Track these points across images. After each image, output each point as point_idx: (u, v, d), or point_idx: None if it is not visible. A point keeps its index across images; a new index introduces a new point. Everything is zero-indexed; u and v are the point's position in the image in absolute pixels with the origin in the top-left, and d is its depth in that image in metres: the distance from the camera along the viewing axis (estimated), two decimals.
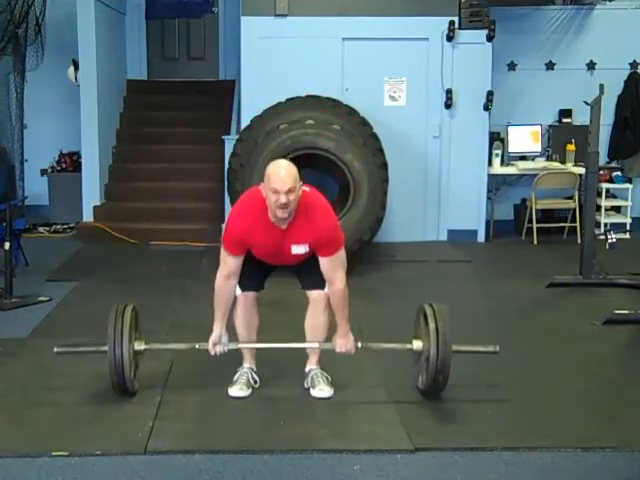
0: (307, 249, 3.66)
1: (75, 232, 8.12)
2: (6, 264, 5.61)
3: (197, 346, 3.86)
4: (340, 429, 3.58)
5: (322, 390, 3.90)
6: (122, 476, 3.17)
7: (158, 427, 3.55)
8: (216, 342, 3.78)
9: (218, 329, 3.78)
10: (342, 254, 3.70)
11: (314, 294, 3.88)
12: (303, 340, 3.99)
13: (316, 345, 3.91)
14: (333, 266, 3.68)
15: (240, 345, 3.94)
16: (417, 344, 3.83)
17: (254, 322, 3.97)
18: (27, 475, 3.17)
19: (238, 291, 3.86)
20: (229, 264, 3.70)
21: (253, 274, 3.84)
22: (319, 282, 3.81)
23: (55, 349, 3.93)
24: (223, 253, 3.72)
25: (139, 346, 3.87)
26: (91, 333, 4.83)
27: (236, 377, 3.97)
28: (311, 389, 3.93)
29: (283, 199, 3.43)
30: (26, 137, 8.09)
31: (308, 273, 3.83)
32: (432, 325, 3.71)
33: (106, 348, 3.71)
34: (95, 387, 3.97)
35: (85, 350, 3.96)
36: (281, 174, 3.46)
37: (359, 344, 3.84)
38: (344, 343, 3.80)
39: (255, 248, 3.69)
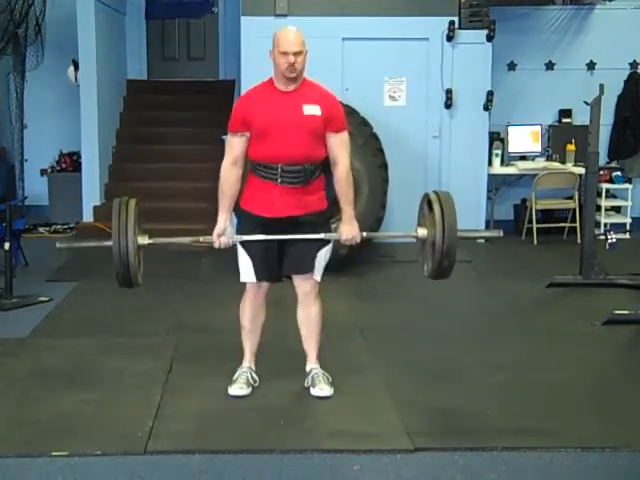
0: (319, 111, 3.64)
1: (75, 232, 8.12)
2: (6, 264, 5.61)
3: (201, 239, 3.74)
4: (340, 429, 3.58)
5: (322, 389, 3.89)
6: (122, 476, 3.18)
7: (158, 427, 3.55)
8: (220, 233, 3.70)
9: (222, 220, 3.71)
10: (347, 136, 3.75)
11: (303, 285, 3.84)
12: (300, 337, 3.98)
13: (322, 236, 3.75)
14: (340, 145, 3.71)
15: (244, 237, 3.75)
16: (422, 231, 3.73)
17: (260, 318, 3.95)
18: (27, 475, 3.17)
19: (252, 279, 3.80)
20: (234, 147, 3.70)
21: (264, 258, 3.74)
22: (309, 263, 3.76)
23: (57, 244, 3.84)
24: (228, 139, 3.72)
25: (142, 240, 3.67)
26: (91, 333, 4.85)
27: (236, 376, 3.97)
28: (311, 388, 3.92)
29: (291, 59, 3.55)
30: (26, 137, 8.09)
31: (297, 254, 3.74)
32: (437, 210, 3.59)
33: (109, 243, 3.57)
34: (95, 386, 3.98)
35: (87, 245, 3.88)
36: (290, 37, 3.59)
37: (364, 233, 3.80)
38: (350, 229, 3.75)
39: (261, 116, 3.63)
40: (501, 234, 3.84)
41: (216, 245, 3.71)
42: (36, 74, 7.99)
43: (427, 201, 3.70)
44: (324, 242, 3.79)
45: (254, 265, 3.77)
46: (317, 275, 3.83)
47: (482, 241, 7.83)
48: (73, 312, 5.48)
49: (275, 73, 3.67)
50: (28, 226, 7.85)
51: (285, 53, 3.56)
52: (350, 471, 3.23)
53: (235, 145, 3.70)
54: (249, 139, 3.70)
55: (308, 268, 3.79)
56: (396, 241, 7.47)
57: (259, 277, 3.81)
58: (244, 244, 3.77)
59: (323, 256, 3.82)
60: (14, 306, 5.48)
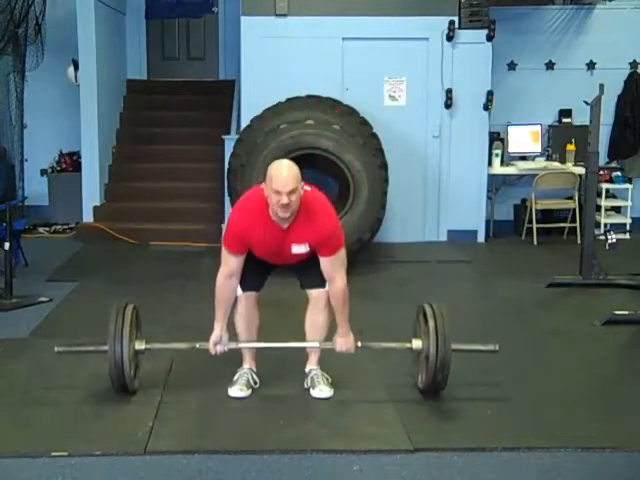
0: (308, 249, 3.67)
1: (75, 232, 8.13)
2: (6, 264, 5.61)
3: (197, 345, 3.86)
4: (340, 429, 3.58)
5: (322, 390, 3.90)
6: (122, 476, 3.18)
7: (158, 427, 3.56)
8: (217, 341, 3.79)
9: (219, 328, 3.78)
10: (342, 253, 3.71)
11: (314, 292, 3.89)
12: (303, 340, 3.99)
13: (316, 344, 3.92)
14: (333, 266, 3.69)
15: (240, 345, 3.94)
16: (416, 343, 3.84)
17: (255, 321, 3.98)
18: (27, 475, 3.17)
19: (239, 291, 3.87)
20: (230, 264, 3.71)
21: (254, 274, 3.85)
22: (319, 281, 3.82)
23: (56, 348, 3.94)
24: (224, 252, 3.73)
25: (139, 345, 3.87)
26: (91, 333, 4.83)
27: (236, 377, 3.98)
28: (311, 389, 3.93)
29: (285, 200, 3.44)
30: (26, 137, 8.08)
31: (308, 273, 3.84)
32: (432, 324, 3.71)
33: (106, 347, 3.71)
34: (95, 387, 3.98)
35: (86, 350, 3.97)
36: (283, 175, 3.46)
37: (359, 343, 3.85)
38: (344, 342, 3.81)
39: (256, 247, 3.69)
40: (497, 348, 3.87)
41: (212, 352, 3.81)
42: (36, 74, 7.99)
43: (422, 314, 3.81)
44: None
45: (243, 279, 3.82)
46: (326, 287, 3.86)
47: (482, 241, 7.85)
48: (73, 312, 5.48)
49: (270, 205, 3.54)
50: (28, 226, 7.86)
51: (278, 192, 3.44)
52: (350, 471, 3.23)
53: (231, 262, 3.71)
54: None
55: (318, 284, 3.85)
56: (396, 241, 7.50)
57: (244, 288, 3.88)
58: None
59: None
60: (14, 306, 5.48)
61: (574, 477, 3.23)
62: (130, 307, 3.82)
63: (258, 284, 3.93)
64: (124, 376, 3.74)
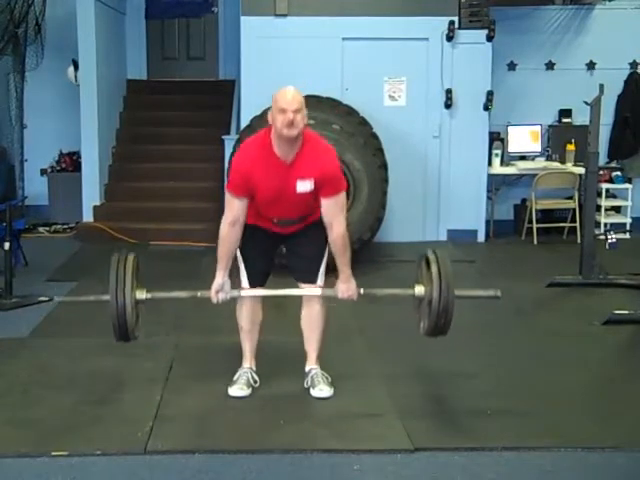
0: (312, 186, 3.62)
1: (75, 232, 8.12)
2: (6, 264, 5.61)
3: (199, 294, 3.76)
4: (340, 429, 3.58)
5: (322, 390, 3.90)
6: (122, 476, 3.18)
7: (158, 427, 3.55)
8: (218, 289, 3.70)
9: (220, 277, 3.71)
10: (343, 197, 3.71)
11: (307, 287, 3.88)
12: (302, 338, 3.99)
13: (319, 292, 3.83)
14: (334, 208, 3.66)
15: (243, 292, 3.83)
16: (419, 289, 3.70)
17: (258, 317, 3.97)
18: (27, 475, 3.17)
19: (245, 285, 3.87)
20: (234, 208, 3.66)
21: (258, 266, 3.85)
22: (313, 273, 3.82)
23: (55, 298, 3.85)
24: (227, 198, 3.68)
25: (141, 295, 3.71)
26: (91, 333, 4.84)
27: (236, 377, 3.97)
28: (311, 389, 3.93)
29: (290, 116, 3.46)
30: (26, 137, 8.10)
31: (302, 263, 3.84)
32: (434, 269, 3.59)
33: (108, 297, 3.57)
34: (95, 386, 3.98)
35: (87, 300, 3.91)
36: (288, 95, 3.54)
37: (361, 290, 3.77)
38: (346, 288, 3.74)
39: (260, 186, 3.62)
40: (499, 294, 3.80)
41: (214, 300, 3.73)
42: (36, 74, 8.00)
43: (425, 260, 3.72)
44: (324, 252, 3.84)
45: (248, 274, 3.84)
46: (320, 281, 3.87)
47: (482, 241, 7.85)
48: (73, 312, 5.47)
49: (274, 135, 3.57)
50: (28, 226, 7.86)
51: (284, 110, 3.47)
52: (350, 471, 3.23)
53: (235, 206, 3.66)
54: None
55: (313, 278, 3.85)
56: (396, 241, 7.50)
57: (252, 284, 3.87)
58: (243, 255, 3.83)
59: (324, 264, 3.88)
60: (14, 306, 5.47)
61: (574, 477, 3.24)
62: (131, 256, 3.69)
63: (263, 278, 3.91)
64: (126, 324, 3.59)
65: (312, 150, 3.63)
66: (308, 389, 3.94)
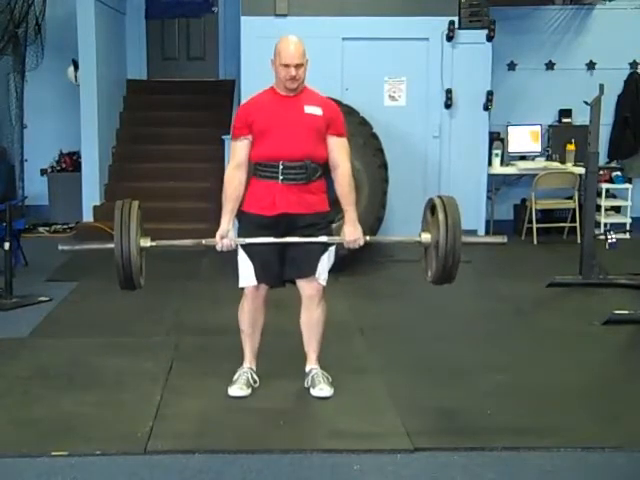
0: (320, 111, 3.71)
1: (75, 232, 8.13)
2: (6, 264, 5.62)
3: (204, 242, 3.72)
4: (340, 429, 3.58)
5: (322, 390, 3.90)
6: (122, 476, 3.18)
7: (158, 427, 3.55)
8: (224, 235, 3.70)
9: (225, 222, 3.72)
10: (347, 143, 3.81)
11: (307, 288, 3.84)
12: (301, 338, 3.98)
13: (325, 239, 3.74)
14: (340, 147, 3.76)
15: (247, 240, 3.74)
16: (425, 236, 3.64)
17: (260, 321, 3.95)
18: (27, 475, 3.17)
19: (252, 282, 3.80)
20: (237, 151, 3.74)
21: (267, 260, 3.75)
22: (311, 267, 3.76)
23: (60, 247, 3.82)
24: (232, 144, 3.78)
25: (145, 243, 3.65)
26: (91, 333, 4.85)
27: (236, 377, 3.97)
28: (311, 389, 3.93)
29: (292, 72, 3.62)
30: (26, 137, 8.10)
31: (299, 258, 3.75)
32: (441, 215, 3.53)
33: (112, 245, 3.53)
34: (95, 386, 3.98)
35: (90, 247, 3.88)
36: (291, 50, 3.64)
37: (367, 237, 3.76)
38: (352, 231, 3.72)
39: (264, 118, 3.69)
40: (505, 240, 3.80)
41: (218, 247, 3.70)
42: (36, 74, 8.00)
43: (431, 206, 3.64)
44: (326, 246, 3.78)
45: (254, 267, 3.77)
46: (321, 279, 3.82)
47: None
48: (73, 312, 5.48)
49: (276, 81, 3.76)
50: (28, 226, 7.86)
51: (287, 65, 3.63)
52: (350, 471, 3.23)
53: (238, 149, 3.74)
54: (252, 142, 3.73)
55: (310, 271, 3.78)
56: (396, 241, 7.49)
57: (259, 279, 3.80)
58: (245, 247, 3.77)
59: (327, 260, 3.81)
60: (14, 306, 5.48)
61: (574, 477, 3.24)
62: (135, 203, 3.63)
63: (271, 276, 3.80)
64: (132, 273, 3.55)
65: (315, 93, 3.83)
66: (308, 389, 3.94)
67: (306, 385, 3.96)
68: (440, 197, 3.63)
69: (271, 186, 3.71)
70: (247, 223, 3.79)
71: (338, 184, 3.76)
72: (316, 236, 3.72)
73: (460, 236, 3.52)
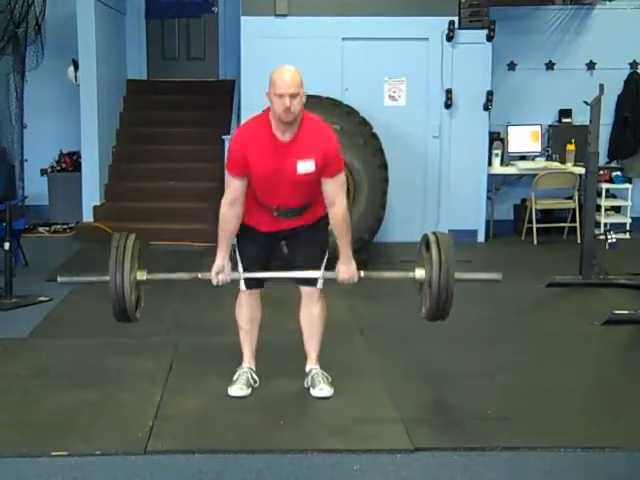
0: (314, 167, 3.57)
1: (75, 232, 8.13)
2: (6, 264, 5.61)
3: (200, 275, 3.75)
4: (340, 429, 3.58)
5: (322, 390, 3.90)
6: (122, 476, 3.18)
7: (158, 427, 3.55)
8: (219, 271, 3.71)
9: (221, 258, 3.71)
10: (343, 177, 3.71)
11: (308, 289, 3.89)
12: (301, 336, 3.99)
13: (319, 274, 3.79)
14: (336, 188, 3.66)
15: (243, 275, 3.82)
16: (419, 272, 3.70)
17: (257, 316, 3.98)
18: (27, 475, 3.17)
19: (243, 287, 3.86)
20: (233, 188, 3.65)
21: (257, 266, 3.82)
22: (313, 280, 3.82)
23: (59, 279, 3.85)
24: (227, 179, 3.69)
25: (141, 276, 3.72)
26: (91, 333, 4.84)
27: (236, 377, 3.97)
28: (311, 389, 3.93)
29: (287, 102, 3.42)
30: (26, 137, 8.09)
31: (301, 265, 3.80)
32: (434, 251, 3.58)
33: (108, 278, 3.58)
34: (95, 387, 3.98)
35: (87, 280, 3.90)
36: (286, 79, 3.46)
37: (361, 273, 3.76)
38: (347, 270, 3.73)
39: (256, 165, 3.57)
40: (500, 277, 3.80)
41: (214, 282, 3.73)
42: (36, 74, 7.99)
43: (425, 242, 3.71)
44: (323, 256, 3.82)
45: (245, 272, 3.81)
46: (319, 283, 3.86)
47: (482, 241, 7.85)
48: (73, 312, 5.48)
49: (272, 114, 3.54)
50: (28, 226, 7.85)
51: (281, 95, 3.43)
52: (350, 471, 3.23)
53: (234, 187, 3.65)
54: (248, 181, 3.66)
55: (313, 282, 3.85)
56: (396, 241, 7.50)
57: (247, 286, 3.87)
58: (241, 255, 3.83)
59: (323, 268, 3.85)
60: (14, 306, 5.48)
61: (574, 477, 3.24)
62: (132, 237, 3.68)
63: (261, 281, 3.91)
64: (125, 305, 3.60)
65: (312, 129, 3.60)
66: (308, 389, 3.94)
67: (306, 385, 3.96)
68: (434, 233, 3.69)
69: (265, 214, 3.74)
70: (244, 232, 3.78)
71: (334, 222, 3.73)
72: (315, 236, 3.78)
73: (453, 274, 3.56)
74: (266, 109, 3.61)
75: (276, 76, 3.51)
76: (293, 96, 3.43)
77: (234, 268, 3.82)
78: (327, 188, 3.65)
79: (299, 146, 3.56)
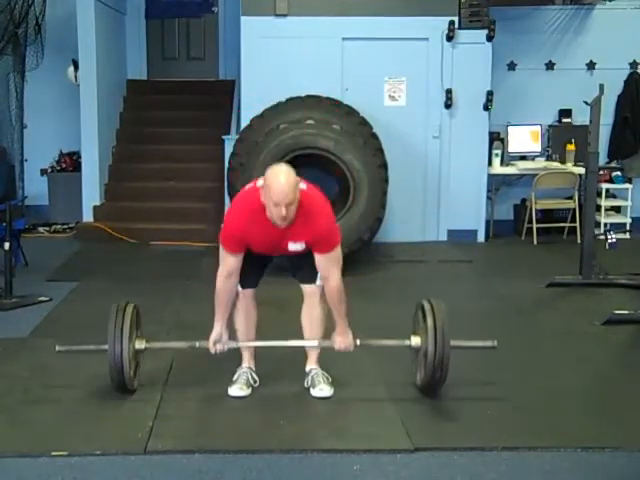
0: (304, 246, 3.68)
1: (75, 232, 8.13)
2: (6, 264, 5.61)
3: (197, 344, 3.86)
4: (340, 429, 3.59)
5: (322, 390, 3.90)
6: (122, 476, 3.18)
7: (158, 427, 3.56)
8: (217, 340, 3.78)
9: (219, 327, 3.78)
10: (338, 251, 3.70)
11: (307, 288, 3.91)
12: (301, 336, 3.99)
13: (315, 343, 3.92)
14: (328, 264, 3.68)
15: (240, 344, 3.95)
16: (415, 340, 3.82)
17: (253, 317, 3.99)
18: (27, 475, 3.17)
19: (239, 288, 3.89)
20: (229, 263, 3.70)
21: (252, 271, 3.86)
22: (312, 276, 3.85)
23: (57, 348, 3.94)
24: (222, 252, 3.72)
25: (140, 345, 3.87)
26: (91, 333, 4.82)
27: (235, 377, 3.98)
28: (311, 389, 3.93)
29: (283, 212, 3.43)
30: (26, 137, 8.09)
31: (302, 266, 3.85)
32: (430, 321, 3.70)
33: (106, 347, 3.72)
34: (95, 386, 3.97)
35: (86, 349, 3.97)
36: (283, 188, 3.40)
37: (357, 341, 3.83)
38: (343, 340, 3.80)
39: (254, 245, 3.69)
40: (495, 344, 3.83)
41: (212, 351, 3.80)
42: (36, 74, 7.99)
43: (421, 310, 3.78)
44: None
45: (242, 279, 3.82)
46: (319, 282, 3.88)
47: (482, 241, 7.86)
48: (73, 312, 5.48)
49: (268, 210, 3.51)
50: (28, 226, 7.86)
51: (277, 204, 3.42)
52: (350, 471, 3.23)
53: (230, 262, 3.68)
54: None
55: (312, 280, 3.88)
56: (396, 241, 7.50)
57: (243, 286, 3.89)
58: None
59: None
60: (14, 306, 5.48)
61: (574, 477, 3.24)
62: (130, 306, 3.83)
63: (256, 281, 3.95)
64: (124, 375, 3.75)
65: (305, 214, 3.57)
66: (308, 389, 3.94)
67: (306, 385, 3.96)
68: (429, 301, 3.77)
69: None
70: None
71: (329, 296, 3.76)
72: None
73: (449, 343, 3.65)
74: (258, 188, 3.58)
75: (273, 183, 3.43)
76: (289, 205, 3.43)
77: None
78: (320, 263, 3.69)
79: (292, 231, 3.61)
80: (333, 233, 3.69)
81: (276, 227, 3.58)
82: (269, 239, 3.65)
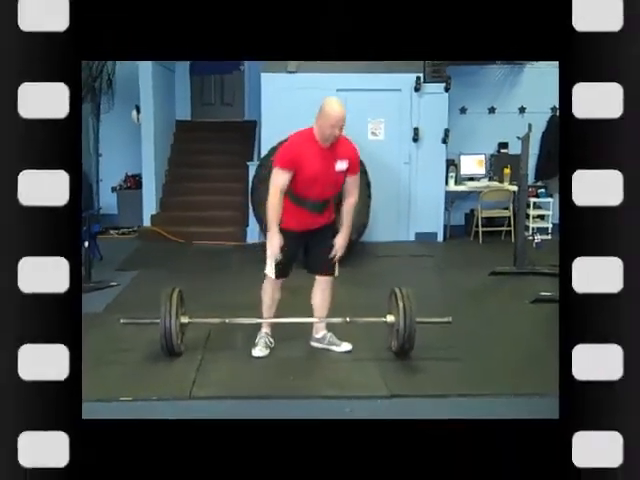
0: (346, 165, 3.68)
1: (137, 234, 8.12)
2: (86, 258, 5.61)
3: (227, 321, 3.84)
4: (336, 380, 3.59)
5: (345, 346, 3.94)
6: (172, 415, 3.17)
7: (199, 379, 3.56)
8: (281, 244, 3.63)
9: (277, 235, 3.62)
10: (359, 177, 3.83)
11: (321, 278, 3.89)
12: (312, 315, 3.99)
13: (326, 320, 3.92)
14: (354, 184, 3.78)
15: (266, 320, 3.91)
16: (390, 318, 3.81)
17: (277, 296, 3.95)
18: (102, 414, 3.14)
19: (272, 277, 3.83)
20: (281, 179, 3.56)
21: (286, 262, 3.77)
22: (325, 269, 3.82)
23: (121, 320, 3.93)
24: (275, 174, 3.57)
25: (184, 319, 3.86)
26: (150, 309, 4.81)
27: (257, 340, 3.97)
28: (334, 347, 3.94)
29: (337, 132, 3.52)
30: (101, 163, 8.07)
31: (317, 259, 3.83)
32: (400, 304, 3.69)
33: (159, 321, 3.71)
34: (151, 350, 3.96)
35: (144, 322, 3.96)
36: (338, 115, 3.50)
37: (347, 318, 3.82)
38: (342, 242, 3.79)
39: (306, 165, 3.57)
40: (450, 320, 3.84)
41: (278, 258, 3.66)
42: (108, 116, 7.95)
43: (394, 295, 3.78)
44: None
45: (276, 268, 3.78)
46: (336, 272, 3.89)
47: (441, 241, 7.84)
48: (136, 293, 5.48)
49: (318, 131, 3.58)
50: (102, 229, 7.82)
51: (333, 126, 3.49)
52: (342, 412, 3.24)
53: (282, 179, 3.58)
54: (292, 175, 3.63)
55: (324, 272, 3.86)
56: (376, 241, 7.49)
57: (278, 276, 3.84)
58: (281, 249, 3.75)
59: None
60: (92, 289, 5.46)
61: (508, 415, 3.21)
62: (176, 290, 3.81)
63: (287, 272, 3.88)
64: (172, 342, 3.74)
65: (343, 141, 3.69)
66: (328, 349, 3.94)
67: (324, 346, 3.96)
68: (400, 288, 3.77)
69: (299, 212, 3.71)
70: (284, 236, 3.69)
71: (346, 209, 3.80)
72: (327, 235, 3.81)
73: (415, 320, 3.66)
74: (306, 129, 3.66)
75: (332, 109, 3.51)
76: (342, 127, 3.54)
77: (263, 264, 3.81)
78: (349, 182, 3.73)
79: (337, 150, 3.64)
80: (359, 158, 3.79)
81: (326, 150, 3.58)
82: (320, 158, 3.58)
